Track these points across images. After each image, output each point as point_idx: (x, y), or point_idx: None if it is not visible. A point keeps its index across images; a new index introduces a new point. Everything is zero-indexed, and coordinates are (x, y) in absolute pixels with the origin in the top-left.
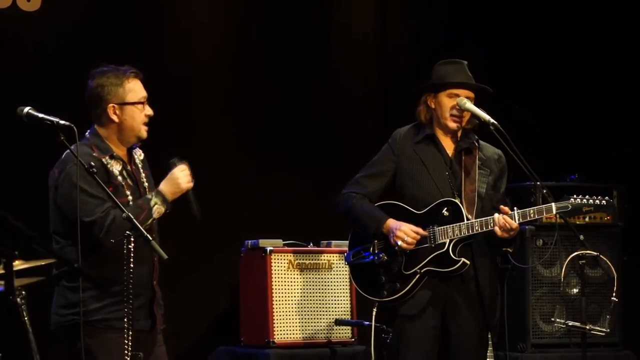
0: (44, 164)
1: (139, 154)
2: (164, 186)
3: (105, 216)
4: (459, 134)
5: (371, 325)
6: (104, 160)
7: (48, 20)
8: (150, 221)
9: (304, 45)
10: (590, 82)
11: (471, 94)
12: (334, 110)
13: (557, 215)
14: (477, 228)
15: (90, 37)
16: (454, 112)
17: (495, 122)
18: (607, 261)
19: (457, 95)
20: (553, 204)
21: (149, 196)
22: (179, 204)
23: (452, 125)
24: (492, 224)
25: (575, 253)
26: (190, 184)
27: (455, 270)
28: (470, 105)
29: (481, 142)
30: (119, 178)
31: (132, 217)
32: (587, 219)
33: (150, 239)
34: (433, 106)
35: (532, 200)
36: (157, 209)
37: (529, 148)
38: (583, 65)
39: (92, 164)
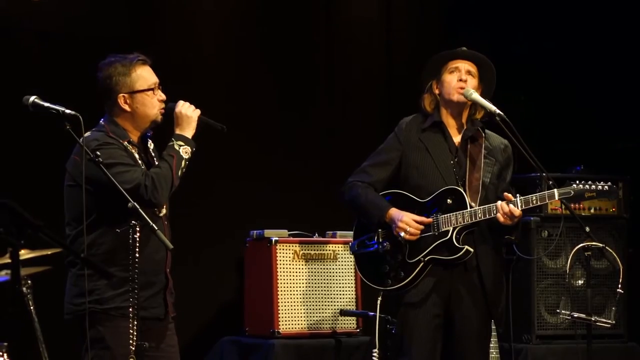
0: (51, 153)
1: (149, 143)
2: (177, 128)
3: (145, 177)
4: (465, 121)
5: (376, 315)
6: (124, 143)
7: (55, 9)
8: (184, 163)
9: (309, 34)
10: (596, 73)
11: (472, 67)
12: (338, 100)
13: (563, 206)
14: (480, 215)
15: (97, 26)
16: (458, 83)
17: (501, 112)
18: (613, 253)
19: (458, 70)
20: (555, 189)
21: (170, 144)
22: (180, 195)
23: (458, 98)
24: (494, 211)
25: (581, 244)
26: (198, 110)
27: (459, 257)
28: (476, 95)
29: (487, 131)
30: (140, 162)
31: (137, 207)
32: (592, 211)
33: (156, 228)
34: (438, 91)
35: (538, 191)
36: (184, 150)
37: (534, 139)
38: (589, 56)
39: (98, 153)
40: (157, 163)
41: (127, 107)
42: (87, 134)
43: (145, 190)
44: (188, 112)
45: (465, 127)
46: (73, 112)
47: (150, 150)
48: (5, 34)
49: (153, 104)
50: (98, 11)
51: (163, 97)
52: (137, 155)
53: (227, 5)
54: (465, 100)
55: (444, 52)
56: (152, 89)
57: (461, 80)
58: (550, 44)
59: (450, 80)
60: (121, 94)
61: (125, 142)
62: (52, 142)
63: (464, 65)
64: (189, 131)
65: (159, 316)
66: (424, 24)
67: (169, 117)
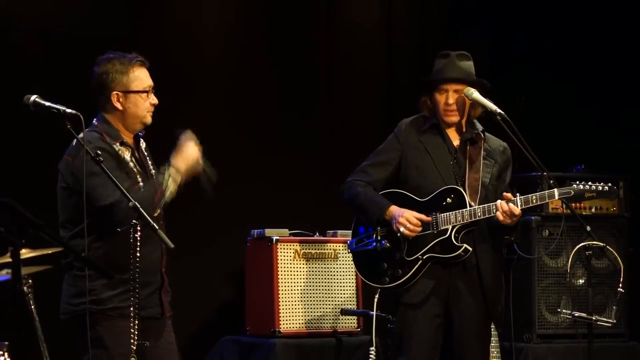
0: (51, 152)
1: (141, 142)
2: (175, 162)
3: (122, 199)
4: (464, 123)
5: (374, 314)
6: (115, 146)
7: (55, 9)
8: (164, 201)
9: (309, 34)
10: (596, 73)
11: (460, 85)
12: (339, 100)
13: (563, 205)
14: (479, 214)
15: (97, 26)
16: (445, 107)
17: (502, 112)
18: (614, 252)
19: (447, 90)
20: (555, 189)
21: (161, 175)
22: (180, 194)
23: (448, 119)
24: (494, 210)
25: (582, 244)
26: (200, 162)
27: (457, 256)
28: (477, 95)
29: (487, 133)
30: (130, 164)
31: (138, 206)
32: (593, 210)
33: (157, 227)
34: (431, 101)
35: (539, 190)
36: (172, 185)
37: (535, 139)
38: (589, 56)
39: (99, 152)
40: (151, 170)
41: (119, 106)
42: (81, 134)
43: (118, 212)
44: (192, 156)
45: (464, 130)
46: (74, 112)
47: (143, 149)
48: (5, 34)
49: (145, 106)
50: (98, 11)
51: (155, 101)
52: (128, 157)
53: (227, 6)
54: (458, 119)
55: (429, 76)
56: (147, 92)
57: (447, 103)
58: (550, 43)
59: (439, 100)
60: (115, 92)
61: (118, 144)
62: (53, 142)
63: (451, 86)
64: (183, 165)
65: (155, 316)
66: (424, 24)
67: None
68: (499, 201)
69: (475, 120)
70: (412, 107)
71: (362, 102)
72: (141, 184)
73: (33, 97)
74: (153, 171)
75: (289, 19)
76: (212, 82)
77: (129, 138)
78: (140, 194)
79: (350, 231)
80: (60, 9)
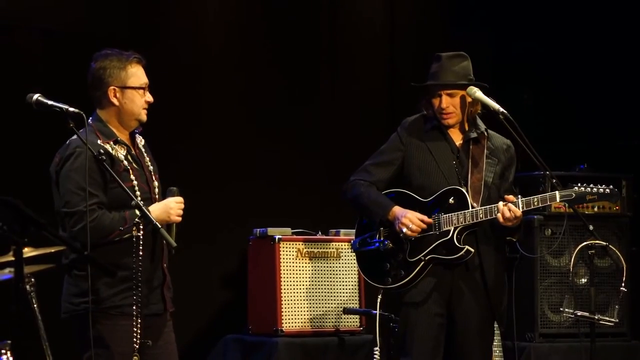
0: (53, 151)
1: (139, 140)
2: (154, 209)
3: (86, 213)
4: (466, 122)
5: (377, 314)
6: (108, 146)
7: (56, 8)
8: (125, 236)
9: (313, 32)
10: (600, 71)
11: (453, 90)
12: (342, 97)
13: (566, 205)
14: (481, 216)
15: (98, 25)
16: (440, 110)
17: (504, 111)
18: (616, 251)
19: (440, 95)
20: (557, 192)
21: (138, 215)
22: (183, 193)
23: (445, 122)
24: (496, 212)
25: (584, 243)
26: (179, 219)
27: (459, 257)
28: (479, 94)
29: (490, 131)
30: (124, 163)
31: (140, 205)
32: (595, 209)
33: (160, 226)
34: (429, 104)
35: (541, 189)
36: (135, 230)
37: (537, 138)
38: (591, 54)
39: (102, 151)
40: (149, 166)
41: (115, 101)
42: (81, 132)
43: (76, 224)
44: (174, 211)
45: (467, 128)
46: (76, 110)
47: (141, 146)
48: (6, 33)
49: (140, 103)
50: (99, 10)
51: (150, 99)
52: (122, 155)
53: (228, 2)
54: (456, 121)
55: (421, 82)
56: (143, 89)
57: (441, 107)
58: (551, 43)
59: (434, 104)
60: (112, 87)
61: (111, 143)
62: (54, 141)
63: (444, 90)
64: (158, 220)
65: (158, 312)
66: (426, 24)
67: (167, 195)
68: (500, 203)
69: (479, 119)
70: (414, 106)
71: (364, 100)
72: (135, 182)
73: (36, 96)
74: (151, 167)
75: (292, 18)
76: (213, 80)
77: (124, 135)
78: (100, 220)
79: (353, 230)
80: (61, 8)
